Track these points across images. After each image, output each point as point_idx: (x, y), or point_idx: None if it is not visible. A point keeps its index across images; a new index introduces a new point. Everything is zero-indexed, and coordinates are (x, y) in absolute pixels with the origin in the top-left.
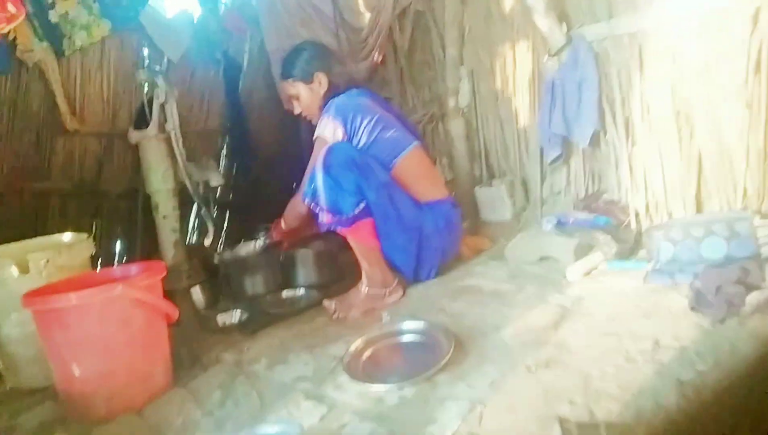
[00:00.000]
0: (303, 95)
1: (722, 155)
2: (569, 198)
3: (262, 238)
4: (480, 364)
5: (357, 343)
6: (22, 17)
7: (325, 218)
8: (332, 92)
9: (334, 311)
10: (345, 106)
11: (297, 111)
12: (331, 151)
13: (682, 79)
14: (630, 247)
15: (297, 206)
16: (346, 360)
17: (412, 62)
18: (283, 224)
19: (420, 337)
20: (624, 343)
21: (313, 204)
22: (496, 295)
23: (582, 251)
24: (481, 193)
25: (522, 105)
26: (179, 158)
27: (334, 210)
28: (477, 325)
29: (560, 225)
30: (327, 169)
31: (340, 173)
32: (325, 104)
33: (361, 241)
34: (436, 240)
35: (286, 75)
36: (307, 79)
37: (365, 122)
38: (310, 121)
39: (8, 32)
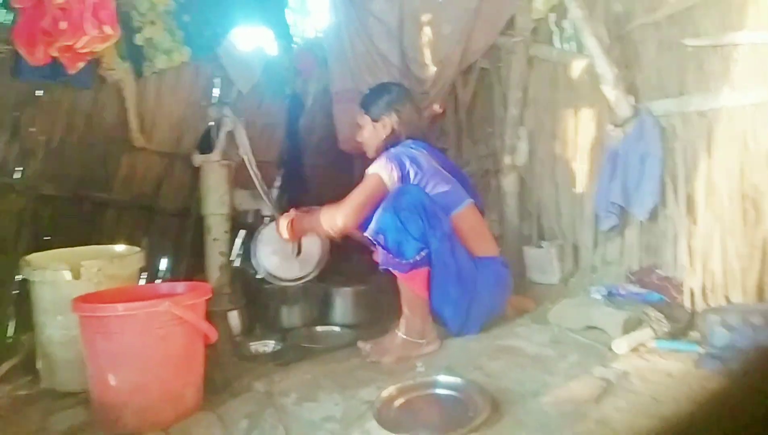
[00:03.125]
0: (366, 130)
1: None
2: (621, 269)
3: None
4: (515, 430)
5: (389, 390)
6: (116, 38)
7: (382, 257)
8: (393, 138)
9: (368, 353)
10: (402, 153)
11: (358, 138)
12: (403, 193)
13: (752, 164)
14: (682, 327)
15: (336, 222)
16: (376, 406)
17: (472, 117)
18: (324, 224)
19: (455, 393)
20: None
21: (377, 242)
22: (537, 360)
23: (631, 325)
24: (530, 253)
25: (580, 170)
26: (255, 180)
27: (396, 252)
28: (515, 388)
29: (610, 296)
30: (396, 211)
31: (409, 217)
32: (385, 147)
33: (412, 289)
34: (486, 297)
35: (362, 106)
36: (376, 118)
37: (420, 174)
38: (363, 158)
39: (96, 51)
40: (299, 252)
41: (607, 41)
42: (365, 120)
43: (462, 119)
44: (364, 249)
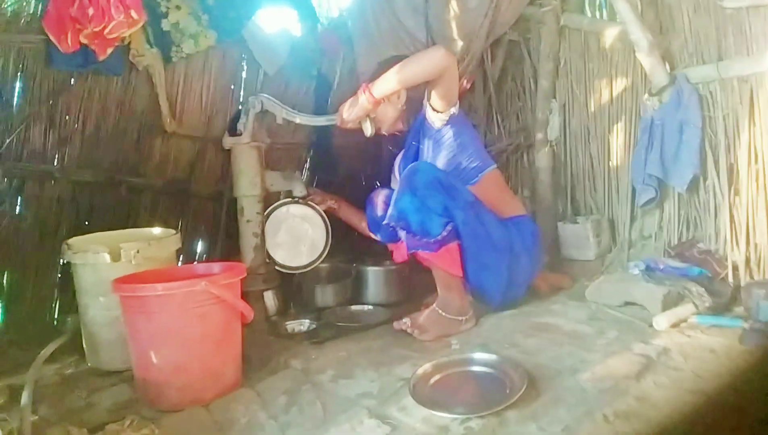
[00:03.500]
0: (380, 107)
1: None
2: (660, 243)
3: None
4: (553, 407)
5: (425, 367)
6: (142, 23)
7: (408, 241)
8: (412, 107)
9: (409, 327)
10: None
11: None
12: (415, 172)
13: None
14: (725, 302)
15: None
16: (412, 383)
17: (502, 91)
18: (341, 211)
19: (491, 370)
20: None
21: (401, 226)
22: (574, 337)
23: (671, 301)
24: (564, 229)
25: (615, 143)
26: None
27: (422, 232)
28: (552, 365)
29: (649, 270)
30: (413, 190)
31: (427, 194)
32: (406, 117)
33: (445, 267)
34: (525, 257)
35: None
36: None
37: (465, 123)
38: (390, 144)
39: (124, 37)
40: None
41: (640, 6)
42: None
43: (491, 94)
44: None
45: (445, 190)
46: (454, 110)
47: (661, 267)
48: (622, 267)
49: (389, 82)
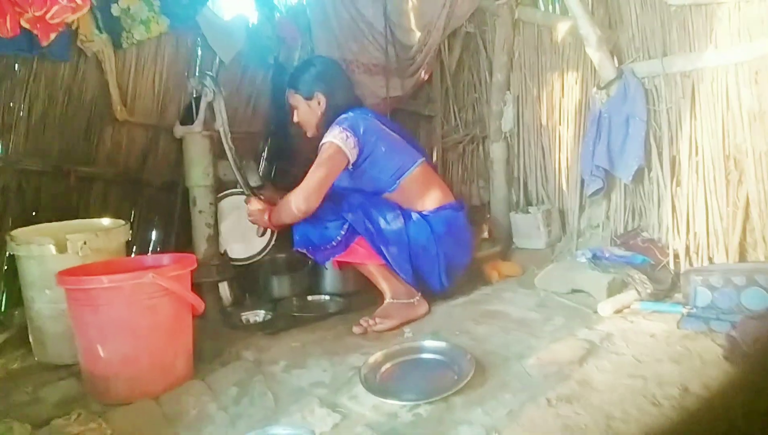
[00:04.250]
0: (301, 109)
1: None
2: (607, 233)
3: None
4: (499, 392)
5: (376, 356)
6: (86, 8)
7: (319, 256)
8: (332, 112)
9: (369, 325)
10: (356, 119)
11: (295, 119)
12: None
13: (735, 124)
14: (666, 289)
15: (299, 206)
16: (363, 371)
17: (458, 83)
18: (292, 207)
19: (440, 357)
20: (650, 387)
21: (306, 247)
22: (522, 324)
23: (615, 288)
24: (517, 218)
25: (566, 135)
26: (229, 153)
27: (324, 240)
28: (500, 351)
29: (595, 259)
30: (305, 213)
31: (316, 210)
32: (325, 122)
33: (363, 261)
34: (433, 247)
35: (290, 85)
36: (307, 96)
37: (373, 138)
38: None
39: (71, 22)
40: (263, 233)
41: (590, 2)
42: (297, 99)
43: (448, 85)
44: None
45: (330, 199)
46: (349, 140)
47: (607, 255)
48: (570, 255)
49: (284, 214)
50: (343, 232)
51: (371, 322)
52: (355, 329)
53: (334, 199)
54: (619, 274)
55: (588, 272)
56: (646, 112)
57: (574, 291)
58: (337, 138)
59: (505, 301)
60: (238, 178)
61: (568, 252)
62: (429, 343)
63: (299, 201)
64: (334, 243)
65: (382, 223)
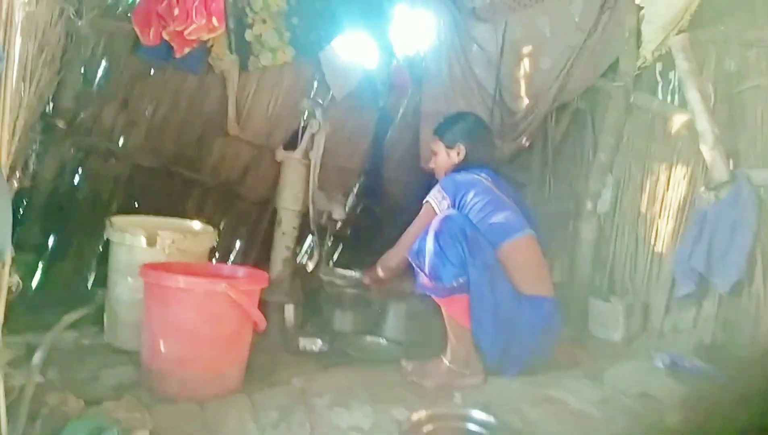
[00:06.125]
0: (440, 156)
1: None
2: (692, 341)
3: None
4: None
5: (420, 414)
6: (221, 30)
7: (424, 281)
8: (463, 165)
9: (409, 373)
10: (459, 181)
11: (431, 165)
12: (446, 219)
13: None
14: None
15: (390, 259)
16: (404, 428)
17: (559, 156)
18: (379, 271)
19: (485, 432)
20: None
21: (416, 263)
22: (581, 417)
23: (690, 402)
24: (596, 305)
25: (664, 229)
26: (311, 185)
27: (434, 276)
28: None
29: (674, 366)
30: (437, 235)
31: (447, 242)
32: (455, 171)
33: (453, 315)
34: (528, 338)
35: (437, 133)
36: (450, 145)
37: (476, 200)
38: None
39: (208, 39)
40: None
41: (713, 98)
42: (439, 146)
43: (549, 156)
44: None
45: (467, 244)
46: (443, 202)
47: (687, 365)
48: (647, 356)
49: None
50: (455, 283)
51: (410, 369)
52: (403, 362)
53: (468, 240)
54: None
55: (663, 379)
56: (757, 223)
57: (643, 395)
58: (433, 198)
59: (566, 389)
60: (311, 210)
61: (645, 352)
62: (477, 415)
63: (388, 259)
64: (440, 284)
65: (501, 296)
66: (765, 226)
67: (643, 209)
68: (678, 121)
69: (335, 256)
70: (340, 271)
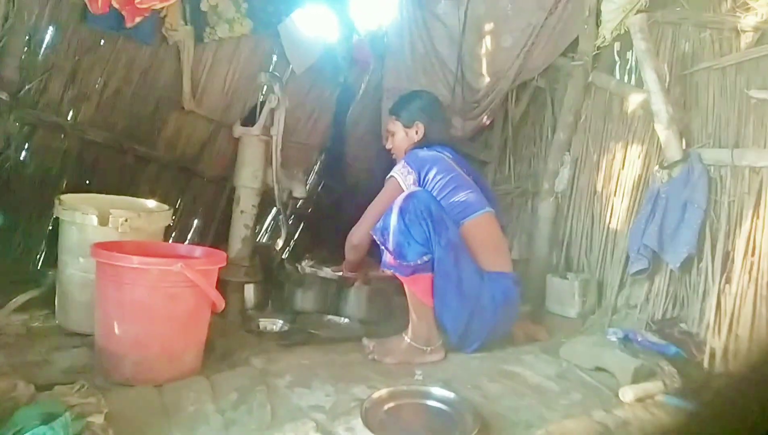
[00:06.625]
0: (398, 136)
1: None
2: (644, 316)
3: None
4: None
5: (381, 392)
6: (174, 1)
7: (387, 259)
8: (424, 143)
9: (371, 351)
10: (424, 157)
11: (388, 146)
12: (411, 197)
13: None
14: (695, 387)
15: (354, 236)
16: (365, 405)
17: (519, 135)
18: (347, 253)
19: (446, 408)
20: None
21: (380, 241)
22: (538, 391)
23: (642, 375)
24: (553, 282)
25: (619, 206)
26: (274, 162)
27: (398, 254)
28: (508, 414)
29: (627, 340)
30: (402, 213)
31: (413, 220)
32: (413, 150)
33: (416, 293)
34: (489, 313)
35: (393, 112)
36: (408, 124)
37: (438, 177)
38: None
39: (160, 9)
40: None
41: (668, 79)
42: (397, 126)
43: (509, 135)
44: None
45: (432, 222)
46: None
47: (639, 339)
48: (601, 331)
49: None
50: (419, 261)
51: (371, 347)
52: (364, 340)
53: (433, 218)
54: (649, 361)
55: (616, 353)
56: (707, 200)
57: (598, 369)
58: (398, 173)
59: (524, 364)
60: (275, 189)
61: (600, 327)
62: (438, 391)
63: (352, 236)
64: (404, 263)
65: (465, 272)
66: (713, 203)
67: (599, 188)
68: (634, 100)
69: (296, 236)
70: (327, 270)
